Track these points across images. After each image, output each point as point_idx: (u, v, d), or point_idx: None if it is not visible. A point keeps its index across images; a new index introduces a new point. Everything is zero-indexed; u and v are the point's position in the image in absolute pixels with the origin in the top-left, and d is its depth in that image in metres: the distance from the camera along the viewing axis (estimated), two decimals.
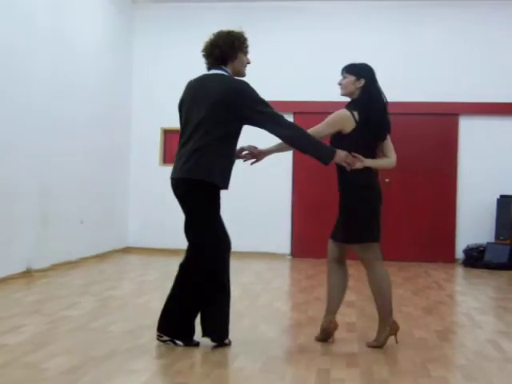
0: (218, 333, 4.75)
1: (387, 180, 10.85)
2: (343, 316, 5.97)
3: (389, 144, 5.15)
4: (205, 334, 4.74)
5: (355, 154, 4.79)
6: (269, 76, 10.47)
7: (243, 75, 4.89)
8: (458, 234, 10.79)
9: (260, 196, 10.68)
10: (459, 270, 10.00)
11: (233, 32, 4.85)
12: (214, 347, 4.70)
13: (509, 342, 5.18)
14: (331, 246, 5.11)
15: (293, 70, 10.77)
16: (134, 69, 11.40)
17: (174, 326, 4.78)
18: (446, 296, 7.61)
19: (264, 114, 4.61)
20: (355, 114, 4.86)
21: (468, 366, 4.45)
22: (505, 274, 9.51)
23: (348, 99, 5.08)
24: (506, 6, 10.68)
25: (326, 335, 5.02)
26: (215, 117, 4.61)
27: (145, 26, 11.40)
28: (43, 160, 8.34)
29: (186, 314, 4.78)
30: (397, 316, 6.05)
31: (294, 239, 10.95)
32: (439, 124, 10.85)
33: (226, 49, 4.77)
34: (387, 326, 4.93)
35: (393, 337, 4.97)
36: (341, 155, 4.72)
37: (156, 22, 11.37)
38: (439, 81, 10.78)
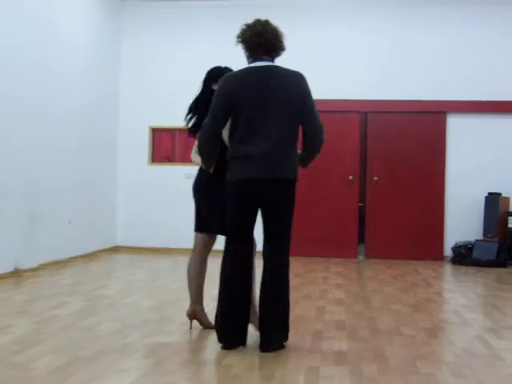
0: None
1: (375, 178, 10.90)
2: (332, 314, 5.99)
3: None
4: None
5: None
6: None
7: None
8: (446, 232, 10.83)
9: None
10: (447, 268, 10.03)
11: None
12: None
13: (497, 339, 5.19)
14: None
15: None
16: (121, 68, 11.35)
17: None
18: (434, 293, 7.63)
19: (314, 111, 4.61)
20: None
21: (456, 363, 4.46)
22: (493, 271, 9.55)
23: None
24: (493, 5, 10.72)
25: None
26: (290, 110, 4.55)
27: (133, 24, 11.36)
28: (31, 159, 8.30)
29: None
30: (385, 313, 6.09)
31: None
32: (427, 122, 10.88)
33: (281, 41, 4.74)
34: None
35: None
36: None
37: (144, 19, 11.34)
38: (427, 79, 10.81)
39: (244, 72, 4.65)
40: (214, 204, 5.02)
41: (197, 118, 5.18)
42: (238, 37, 4.73)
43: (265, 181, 4.54)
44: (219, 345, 4.70)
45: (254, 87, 4.55)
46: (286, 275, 4.71)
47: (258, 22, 4.72)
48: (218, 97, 4.61)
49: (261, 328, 4.68)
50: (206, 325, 5.27)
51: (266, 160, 4.51)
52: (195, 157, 5.14)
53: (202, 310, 5.29)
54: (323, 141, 4.67)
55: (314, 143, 4.65)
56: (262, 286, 4.66)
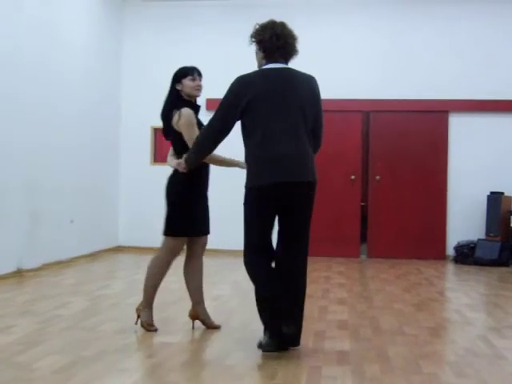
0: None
1: (377, 177, 10.89)
2: (334, 313, 5.99)
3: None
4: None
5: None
6: None
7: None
8: (448, 231, 10.82)
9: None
10: (450, 267, 10.02)
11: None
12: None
13: (499, 339, 5.19)
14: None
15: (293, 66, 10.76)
16: (123, 67, 11.36)
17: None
18: (436, 293, 7.63)
19: (322, 116, 4.66)
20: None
21: (459, 363, 4.46)
22: (495, 270, 9.54)
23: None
24: (495, 4, 10.70)
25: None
26: (313, 112, 4.56)
27: (134, 24, 11.36)
28: (33, 159, 8.31)
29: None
30: (387, 313, 6.09)
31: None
32: (429, 121, 10.88)
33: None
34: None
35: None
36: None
37: (146, 19, 11.34)
38: (429, 78, 10.80)
39: (259, 74, 4.60)
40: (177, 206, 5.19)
41: (165, 121, 5.24)
42: (254, 37, 4.67)
43: (295, 183, 4.45)
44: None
45: (269, 89, 4.48)
46: (305, 276, 4.73)
47: (276, 24, 4.69)
48: (229, 95, 4.55)
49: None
50: (208, 325, 5.28)
51: (296, 162, 4.44)
52: (171, 160, 5.16)
53: (204, 310, 5.30)
54: (320, 145, 4.74)
55: (316, 148, 4.67)
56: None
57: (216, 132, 4.59)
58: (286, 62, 4.66)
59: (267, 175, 4.42)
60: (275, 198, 4.49)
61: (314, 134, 4.60)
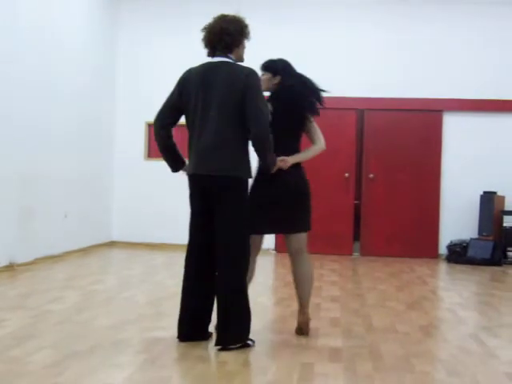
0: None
1: (371, 175, 10.91)
2: (327, 311, 6.00)
3: (313, 131, 5.12)
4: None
5: (280, 158, 4.84)
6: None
7: (244, 60, 4.84)
8: (441, 230, 10.84)
9: None
10: (443, 266, 10.05)
11: (238, 17, 4.78)
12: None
13: (491, 337, 5.21)
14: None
15: None
16: (117, 62, 11.33)
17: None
18: (429, 291, 7.65)
19: (260, 109, 4.51)
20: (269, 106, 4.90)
21: (451, 361, 4.47)
22: (488, 269, 9.57)
23: None
24: (489, 5, 10.72)
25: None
26: (232, 105, 4.53)
27: (130, 20, 11.33)
28: (26, 153, 8.28)
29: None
30: (381, 311, 6.11)
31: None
32: (423, 120, 10.90)
33: (237, 36, 4.70)
34: (308, 312, 5.09)
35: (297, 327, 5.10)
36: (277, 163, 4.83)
37: (141, 15, 11.32)
38: (423, 77, 10.82)
39: (195, 69, 4.73)
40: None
41: None
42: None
43: (211, 176, 4.55)
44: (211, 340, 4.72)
45: (198, 84, 4.61)
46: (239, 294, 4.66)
47: (215, 18, 4.76)
48: (173, 89, 4.77)
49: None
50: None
51: (207, 156, 4.55)
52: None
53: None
54: (268, 140, 4.57)
55: (256, 142, 4.58)
56: None
57: (154, 130, 4.87)
58: (230, 53, 4.69)
59: (191, 166, 4.68)
60: (198, 191, 4.66)
61: (250, 127, 4.52)
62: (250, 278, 4.95)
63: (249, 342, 4.66)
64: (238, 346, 4.56)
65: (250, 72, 4.60)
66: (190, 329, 4.73)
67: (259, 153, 4.61)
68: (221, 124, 4.53)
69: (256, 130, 4.52)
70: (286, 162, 4.87)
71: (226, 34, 4.65)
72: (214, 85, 4.57)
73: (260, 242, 5.08)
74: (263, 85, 4.93)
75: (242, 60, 4.81)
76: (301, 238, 5.04)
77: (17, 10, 8.05)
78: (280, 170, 4.85)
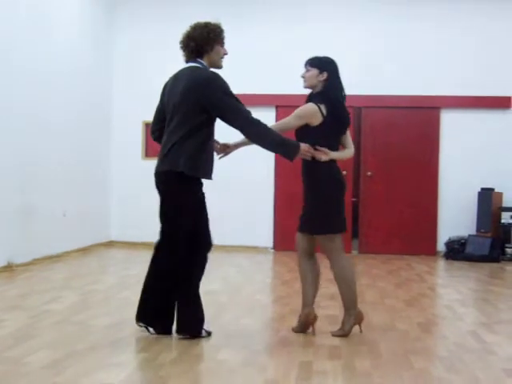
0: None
1: (369, 173, 10.92)
2: (325, 309, 6.00)
3: (348, 136, 5.20)
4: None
5: (320, 148, 4.85)
6: (251, 69, 10.50)
7: (220, 67, 4.89)
8: (439, 227, 10.85)
9: (242, 190, 10.67)
10: (441, 263, 10.06)
11: (209, 24, 4.83)
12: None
13: (489, 334, 5.22)
14: (299, 239, 5.22)
15: (275, 63, 10.76)
16: (114, 62, 11.32)
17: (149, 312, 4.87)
18: (427, 288, 7.65)
19: (228, 106, 4.61)
20: (322, 107, 4.91)
21: (449, 358, 4.48)
22: (486, 266, 9.57)
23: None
24: (484, 2, 10.73)
25: (303, 327, 5.08)
26: (185, 108, 4.64)
27: (126, 20, 11.32)
28: (24, 153, 8.28)
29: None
30: (379, 308, 6.11)
31: (277, 232, 10.95)
32: (421, 117, 10.90)
33: (202, 41, 4.78)
34: (352, 316, 5.01)
35: (357, 326, 5.06)
36: (304, 148, 4.78)
37: (138, 16, 11.31)
38: (421, 74, 10.82)
39: (173, 75, 4.93)
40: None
41: None
42: None
43: (158, 173, 4.87)
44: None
45: (169, 89, 4.83)
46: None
47: (190, 27, 4.90)
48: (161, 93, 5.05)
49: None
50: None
51: (160, 154, 4.84)
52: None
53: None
54: (254, 124, 4.66)
55: (245, 133, 4.75)
56: None
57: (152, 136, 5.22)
58: (200, 58, 4.81)
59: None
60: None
61: (232, 125, 4.66)
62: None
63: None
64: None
65: (209, 76, 4.68)
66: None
67: (258, 142, 4.76)
68: (176, 128, 4.69)
69: (237, 124, 4.64)
70: (327, 154, 4.89)
71: (191, 40, 4.80)
72: (175, 91, 4.73)
73: (305, 241, 5.22)
74: (308, 81, 5.01)
75: (216, 66, 4.88)
76: (320, 240, 5.11)
77: (15, 6, 8.04)
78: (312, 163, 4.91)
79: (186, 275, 4.79)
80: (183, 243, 4.75)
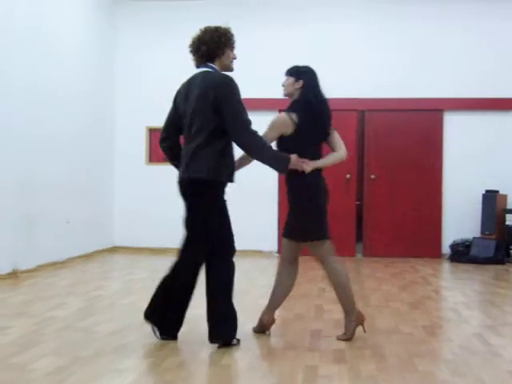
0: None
1: (373, 176, 10.91)
2: (329, 313, 6.00)
3: (335, 139, 5.14)
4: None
5: (302, 160, 4.86)
6: (256, 73, 10.50)
7: (231, 70, 4.89)
8: (444, 229, 10.83)
9: (247, 194, 10.67)
10: (445, 265, 10.04)
11: (220, 28, 4.83)
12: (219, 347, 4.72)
13: (495, 336, 5.21)
14: (284, 245, 5.27)
15: (279, 66, 10.74)
16: (117, 68, 11.34)
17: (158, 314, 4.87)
18: (432, 291, 7.64)
19: (232, 109, 4.58)
20: (293, 116, 4.92)
21: (455, 361, 4.47)
22: (491, 268, 9.55)
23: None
24: (485, 4, 10.73)
25: (261, 328, 5.20)
26: (203, 114, 4.62)
27: (128, 25, 11.35)
28: (27, 160, 8.30)
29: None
30: (384, 311, 6.10)
31: (281, 237, 10.91)
32: (424, 120, 10.89)
33: (213, 46, 4.76)
34: (352, 318, 5.02)
35: (361, 327, 5.07)
36: (294, 159, 4.82)
37: (139, 20, 11.34)
38: (423, 77, 10.82)
39: (186, 81, 4.87)
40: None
41: None
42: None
43: (182, 181, 4.74)
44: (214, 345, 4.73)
45: (183, 96, 4.78)
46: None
47: (200, 30, 4.86)
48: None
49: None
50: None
51: (183, 163, 4.72)
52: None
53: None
54: (251, 135, 4.64)
55: (240, 145, 4.68)
56: None
57: (161, 145, 5.07)
58: (211, 62, 4.80)
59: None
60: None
61: (231, 134, 4.64)
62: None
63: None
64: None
65: (224, 77, 4.67)
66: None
67: (252, 155, 4.78)
68: (195, 135, 4.65)
69: (235, 129, 4.61)
70: (309, 165, 4.89)
71: (202, 44, 4.77)
72: (190, 98, 4.70)
73: (290, 248, 5.25)
74: (286, 89, 5.06)
75: (228, 69, 4.88)
76: (312, 247, 5.09)
77: (13, 14, 8.06)
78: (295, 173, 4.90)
79: (218, 284, 4.77)
80: (208, 249, 4.74)
